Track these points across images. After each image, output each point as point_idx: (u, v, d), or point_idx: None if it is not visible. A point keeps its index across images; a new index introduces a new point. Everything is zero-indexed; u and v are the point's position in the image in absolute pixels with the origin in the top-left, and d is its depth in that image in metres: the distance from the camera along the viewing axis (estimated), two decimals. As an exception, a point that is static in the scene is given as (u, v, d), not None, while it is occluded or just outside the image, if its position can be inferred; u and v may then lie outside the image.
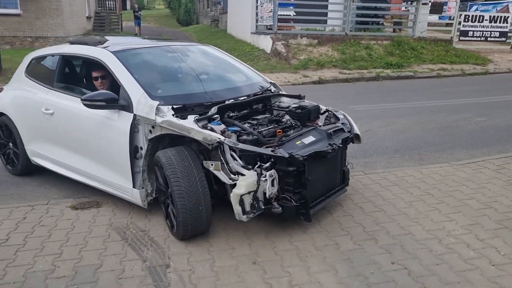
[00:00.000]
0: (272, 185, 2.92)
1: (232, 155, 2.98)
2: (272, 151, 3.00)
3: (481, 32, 15.08)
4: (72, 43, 4.41)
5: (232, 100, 3.69)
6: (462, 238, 3.18)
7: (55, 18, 16.85)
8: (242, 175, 2.90)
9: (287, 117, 3.69)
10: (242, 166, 2.94)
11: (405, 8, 17.69)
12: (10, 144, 4.78)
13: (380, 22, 16.70)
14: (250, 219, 2.95)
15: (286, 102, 4.09)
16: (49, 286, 2.71)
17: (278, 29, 14.63)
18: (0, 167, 5.14)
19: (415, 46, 14.28)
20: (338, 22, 15.86)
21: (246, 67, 4.59)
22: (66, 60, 4.38)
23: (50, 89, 4.24)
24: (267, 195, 2.93)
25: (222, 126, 3.20)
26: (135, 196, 3.48)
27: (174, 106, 3.33)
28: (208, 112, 3.37)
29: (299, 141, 3.21)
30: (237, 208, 2.89)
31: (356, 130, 3.76)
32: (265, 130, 3.38)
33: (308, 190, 3.11)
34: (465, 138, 6.05)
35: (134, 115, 3.35)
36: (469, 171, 4.57)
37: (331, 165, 3.46)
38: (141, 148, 3.37)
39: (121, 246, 3.18)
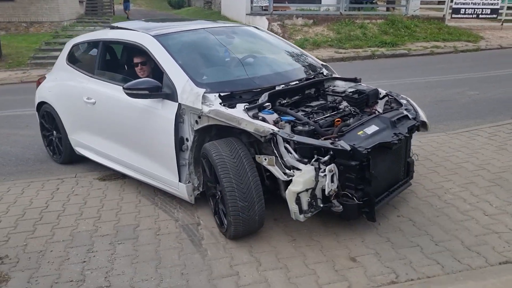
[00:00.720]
0: (332, 181, 2.65)
1: (286, 148, 2.70)
2: (331, 143, 2.69)
3: (472, 9, 15.36)
4: (112, 28, 4.23)
5: (283, 86, 3.36)
6: (459, 195, 3.56)
7: (49, 2, 16.80)
8: (298, 169, 2.64)
9: (344, 103, 3.40)
10: (298, 160, 2.67)
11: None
12: (54, 132, 4.70)
13: (374, 1, 16.90)
14: (307, 218, 2.72)
15: (341, 86, 3.76)
16: (95, 242, 3.05)
17: (273, 10, 14.80)
18: (23, 142, 5.43)
19: (409, 25, 14.55)
20: (332, 1, 16.08)
21: (294, 48, 4.28)
22: (108, 46, 4.21)
23: (91, 77, 4.08)
24: (326, 192, 2.66)
25: (275, 116, 2.93)
26: (181, 190, 3.28)
27: (221, 94, 3.07)
28: (258, 99, 3.07)
29: (361, 131, 2.86)
30: (293, 207, 2.63)
31: (423, 116, 3.36)
32: (322, 119, 3.10)
33: (372, 186, 2.82)
34: (460, 110, 6.41)
35: (179, 104, 3.12)
36: (463, 139, 4.93)
37: (395, 156, 3.13)
38: (187, 140, 3.16)
39: (153, 209, 3.51)
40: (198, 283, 2.56)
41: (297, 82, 3.50)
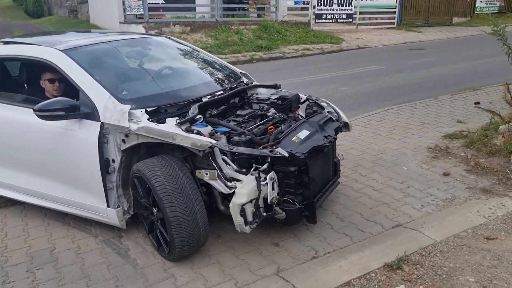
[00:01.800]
0: (273, 188, 2.69)
1: (224, 160, 2.67)
2: (270, 151, 2.73)
3: (332, 15, 17.14)
4: (7, 42, 3.84)
5: (209, 97, 3.31)
6: (351, 176, 4.10)
7: None
8: (238, 180, 2.61)
9: (272, 110, 3.41)
10: (237, 171, 2.65)
11: (265, -6, 19.03)
12: None
13: (246, 8, 17.76)
14: (252, 229, 2.73)
15: (263, 93, 3.78)
16: (10, 272, 2.83)
17: (149, 18, 14.62)
18: None
19: (280, 29, 15.63)
20: (206, 9, 16.45)
21: (211, 57, 4.21)
22: (2, 63, 3.79)
23: None
24: (268, 201, 2.68)
25: (209, 128, 2.88)
26: (111, 216, 3.06)
27: (148, 109, 2.93)
28: (186, 112, 3.00)
29: (295, 137, 2.92)
30: (238, 220, 2.62)
31: (345, 118, 3.54)
32: (255, 127, 3.09)
33: (311, 189, 2.93)
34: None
35: (102, 123, 2.90)
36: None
37: (325, 158, 3.24)
38: (113, 161, 2.95)
39: (66, 230, 3.36)
40: (136, 292, 2.59)
41: (222, 92, 3.47)
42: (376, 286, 2.52)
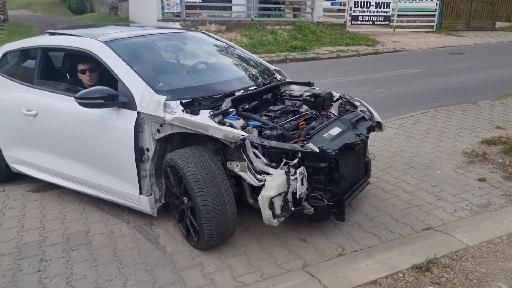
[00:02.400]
0: (302, 183, 2.69)
1: (254, 153, 2.70)
2: (301, 146, 2.75)
3: (369, 17, 16.91)
4: (52, 34, 3.97)
5: (242, 91, 3.36)
6: (382, 178, 4.05)
7: None
8: (268, 174, 2.65)
9: (304, 106, 3.45)
10: (267, 165, 2.69)
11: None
12: None
13: (281, 8, 17.78)
14: (280, 223, 2.73)
15: (296, 90, 3.82)
16: (47, 252, 2.97)
17: (186, 16, 14.87)
18: None
19: (315, 30, 15.56)
20: (242, 8, 16.59)
21: (246, 53, 4.27)
22: (48, 54, 3.90)
23: (30, 87, 3.75)
24: (297, 195, 2.69)
25: (242, 121, 2.92)
26: (143, 203, 3.16)
27: (183, 101, 3.01)
28: (219, 106, 3.08)
29: (326, 133, 2.93)
30: (266, 212, 2.65)
31: (377, 117, 3.51)
32: (286, 123, 3.14)
33: (340, 186, 2.93)
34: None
35: (138, 113, 3.00)
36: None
37: (356, 156, 3.23)
38: (148, 150, 3.05)
39: (101, 215, 3.48)
40: (164, 277, 2.66)
41: (255, 87, 3.51)
42: (404, 287, 2.49)
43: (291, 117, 3.27)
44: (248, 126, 2.91)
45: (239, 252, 2.91)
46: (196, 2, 16.22)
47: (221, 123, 2.81)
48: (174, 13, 15.55)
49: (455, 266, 2.67)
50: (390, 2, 17.19)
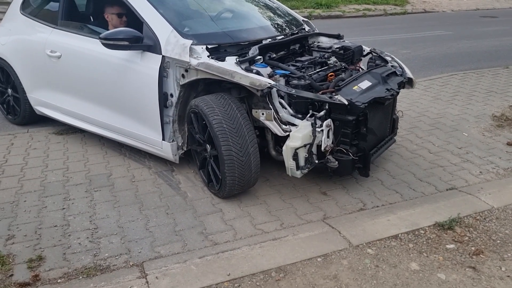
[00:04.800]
0: (328, 136, 2.63)
1: (281, 103, 2.63)
2: (329, 97, 2.66)
3: (399, -26, 16.09)
4: None
5: (270, 40, 3.26)
6: (406, 137, 3.96)
7: None
8: (294, 125, 2.61)
9: (333, 58, 3.32)
10: (293, 115, 2.62)
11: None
12: (9, 90, 4.23)
13: (308, -37, 17.04)
14: (304, 174, 2.67)
15: (325, 42, 3.70)
16: (70, 191, 3.02)
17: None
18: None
19: (342, -14, 14.94)
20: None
21: (274, 2, 4.11)
22: None
23: (54, 28, 3.68)
24: (322, 148, 2.63)
25: (269, 69, 2.83)
26: (165, 149, 3.13)
27: (209, 46, 2.92)
28: (246, 53, 2.99)
29: (356, 86, 2.82)
30: (290, 163, 2.59)
31: (409, 73, 3.37)
32: (315, 73, 3.04)
33: (367, 141, 2.84)
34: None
35: (163, 57, 2.93)
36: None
37: (384, 112, 3.12)
38: (172, 95, 2.99)
39: (122, 159, 3.51)
40: (185, 220, 2.69)
41: (283, 36, 3.41)
42: (425, 243, 2.46)
43: (319, 68, 3.17)
44: (276, 74, 2.82)
45: (259, 201, 2.91)
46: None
47: (248, 70, 2.73)
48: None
49: (478, 226, 2.63)
50: (423, -41, 16.29)
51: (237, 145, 2.66)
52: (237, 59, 2.82)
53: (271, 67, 2.91)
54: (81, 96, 3.57)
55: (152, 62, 2.98)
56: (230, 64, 2.79)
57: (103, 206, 2.83)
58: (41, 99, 3.95)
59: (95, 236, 2.52)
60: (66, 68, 3.56)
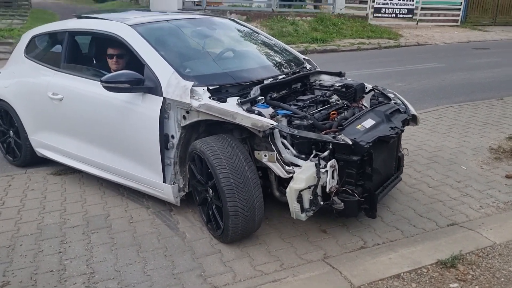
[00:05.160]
0: (332, 177, 2.57)
1: (283, 143, 2.63)
2: (333, 137, 2.61)
3: (392, 9, 16.55)
4: (79, 17, 3.95)
5: (271, 80, 3.25)
6: (405, 171, 3.93)
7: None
8: (297, 166, 2.57)
9: (335, 96, 3.29)
10: (296, 156, 2.61)
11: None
12: (11, 132, 4.23)
13: (303, 0, 17.58)
14: (308, 217, 2.62)
15: (327, 80, 3.69)
16: (67, 234, 2.98)
17: (207, 5, 14.83)
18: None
19: (336, 22, 15.32)
20: (263, -1, 16.46)
21: (275, 41, 4.12)
22: (74, 38, 3.86)
23: (57, 70, 3.74)
24: (327, 189, 2.57)
25: (271, 110, 2.80)
26: (167, 192, 3.08)
27: (210, 87, 2.93)
28: (248, 93, 2.97)
29: (359, 125, 2.78)
30: (294, 206, 2.53)
31: (413, 110, 3.34)
32: (316, 112, 3.01)
33: (372, 181, 2.78)
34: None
35: (164, 98, 2.93)
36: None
37: (389, 151, 3.07)
38: (173, 137, 2.98)
39: (120, 199, 3.49)
40: (183, 262, 2.64)
41: (284, 76, 3.39)
42: (428, 282, 2.42)
43: (321, 107, 3.15)
44: (278, 115, 2.79)
45: (258, 241, 2.87)
46: (217, -9, 16.18)
47: (249, 111, 2.71)
48: (194, 2, 15.54)
49: (481, 263, 2.59)
50: (414, -5, 16.81)
51: (243, 201, 2.61)
52: (239, 100, 2.82)
53: (272, 107, 2.89)
54: (82, 138, 3.58)
55: (153, 104, 2.98)
56: (231, 105, 2.78)
57: (100, 249, 2.79)
58: (43, 141, 3.94)
59: (92, 281, 2.47)
60: (67, 110, 3.58)
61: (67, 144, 3.72)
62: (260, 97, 2.94)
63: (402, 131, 3.01)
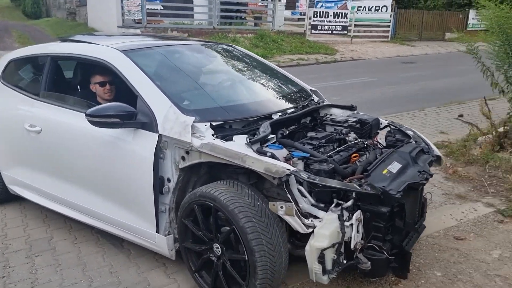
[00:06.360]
0: (357, 231, 2.21)
1: (299, 190, 2.22)
2: (359, 185, 2.25)
3: (327, 26, 17.55)
4: (64, 40, 3.57)
5: (280, 114, 2.88)
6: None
7: None
8: (316, 217, 2.20)
9: (352, 135, 2.89)
10: (314, 205, 2.23)
11: (261, 3, 19.38)
12: None
13: (243, 17, 18.11)
14: (330, 280, 2.22)
15: (338, 114, 3.30)
16: (10, 258, 3.01)
17: (147, 23, 14.88)
18: None
19: (276, 39, 15.96)
20: (204, 16, 16.77)
21: (279, 70, 3.75)
22: (57, 63, 3.46)
23: (36, 99, 3.30)
24: (351, 246, 2.19)
25: (285, 151, 2.42)
26: (160, 244, 2.66)
27: (213, 124, 2.55)
28: (256, 130, 2.60)
29: (385, 170, 2.42)
30: (315, 267, 2.16)
31: (436, 150, 3.02)
32: (335, 154, 2.61)
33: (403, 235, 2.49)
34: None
35: (160, 135, 2.53)
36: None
37: (413, 197, 2.72)
38: (169, 180, 2.57)
39: (63, 221, 3.53)
40: (129, 278, 2.78)
41: (294, 109, 3.02)
42: (352, 278, 2.71)
43: (337, 146, 2.75)
44: (293, 157, 2.40)
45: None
46: (157, 9, 16.25)
47: (261, 152, 2.33)
48: (135, 19, 15.51)
49: (398, 258, 2.93)
50: (347, 13, 17.91)
51: (270, 248, 2.24)
52: (248, 139, 2.43)
53: (285, 147, 2.51)
54: (62, 177, 3.16)
55: (147, 141, 2.58)
56: (239, 145, 2.40)
57: (45, 271, 2.85)
58: (17, 178, 3.54)
59: (37, 302, 2.54)
60: (46, 145, 3.18)
61: (44, 182, 3.31)
62: (271, 136, 2.55)
63: (431, 175, 2.64)
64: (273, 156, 2.31)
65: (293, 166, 2.30)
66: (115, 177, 2.78)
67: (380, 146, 3.04)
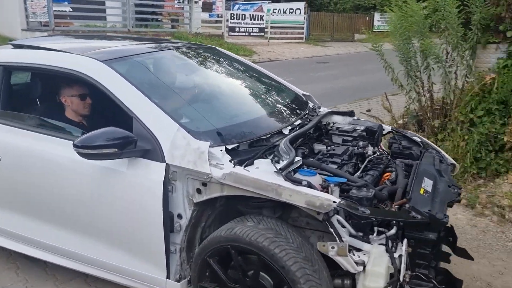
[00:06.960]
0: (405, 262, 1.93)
1: (339, 221, 1.87)
2: (409, 213, 1.95)
3: (245, 28, 17.86)
4: (19, 46, 2.90)
5: (289, 128, 2.50)
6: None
7: None
8: (359, 250, 1.87)
9: (370, 148, 2.55)
10: (353, 236, 1.88)
11: (178, 5, 19.22)
12: None
13: (159, 19, 17.80)
14: None
15: (340, 121, 2.99)
16: None
17: (55, 26, 14.05)
18: None
19: (194, 41, 15.87)
20: (118, 18, 16.21)
21: (273, 76, 3.35)
22: (11, 75, 2.77)
23: None
24: (400, 279, 1.87)
25: (319, 178, 2.08)
26: None
27: (228, 147, 2.13)
28: (277, 151, 2.19)
29: (422, 189, 2.13)
30: None
31: (450, 158, 2.77)
32: (366, 174, 2.29)
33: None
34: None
35: (167, 165, 2.10)
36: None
37: None
38: (180, 217, 2.15)
39: None
40: (46, 291, 2.65)
41: (300, 121, 2.66)
42: None
43: (360, 162, 2.43)
44: (329, 183, 2.04)
45: None
46: (66, 11, 15.40)
47: (295, 181, 1.95)
48: (41, 22, 14.56)
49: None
50: (263, 15, 18.41)
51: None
52: (278, 167, 2.03)
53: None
54: (36, 214, 2.56)
55: (151, 172, 2.13)
56: (266, 172, 2.03)
57: None
58: None
59: None
60: (8, 175, 2.57)
61: (10, 222, 2.67)
62: (297, 158, 2.16)
63: (460, 189, 2.39)
64: (310, 186, 1.97)
65: (331, 193, 1.99)
66: (111, 214, 2.29)
67: (383, 153, 2.76)
